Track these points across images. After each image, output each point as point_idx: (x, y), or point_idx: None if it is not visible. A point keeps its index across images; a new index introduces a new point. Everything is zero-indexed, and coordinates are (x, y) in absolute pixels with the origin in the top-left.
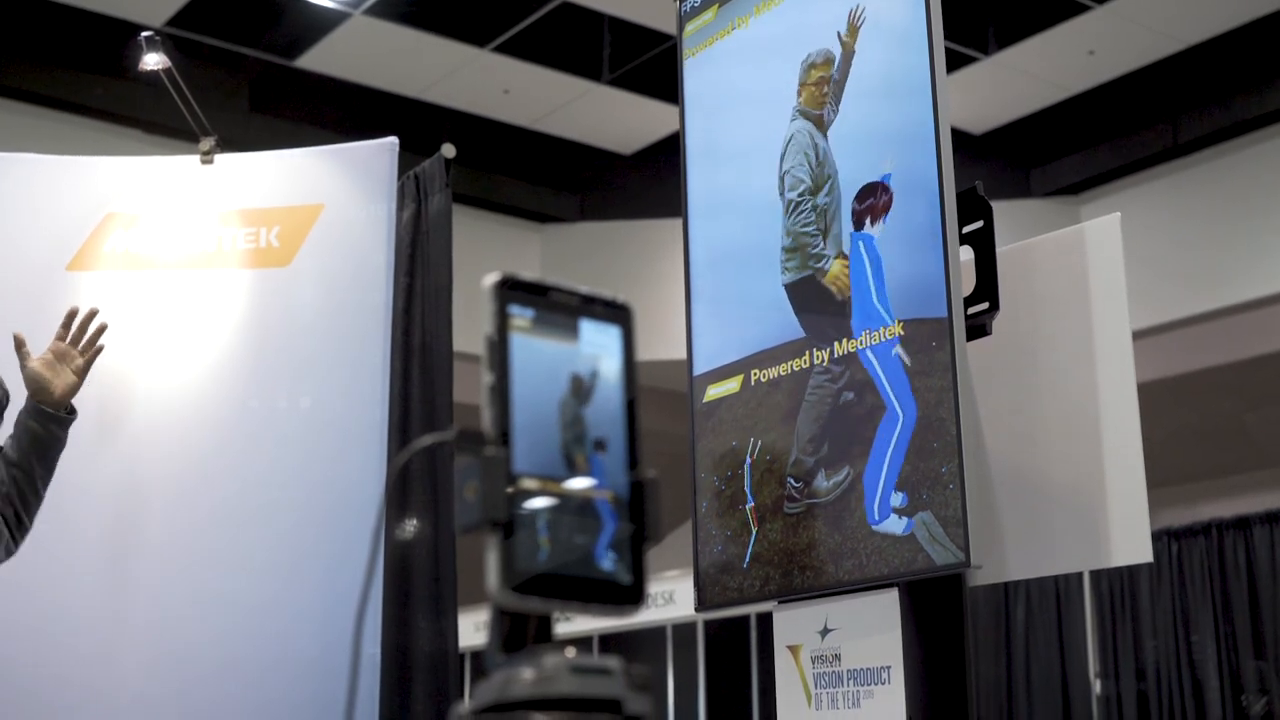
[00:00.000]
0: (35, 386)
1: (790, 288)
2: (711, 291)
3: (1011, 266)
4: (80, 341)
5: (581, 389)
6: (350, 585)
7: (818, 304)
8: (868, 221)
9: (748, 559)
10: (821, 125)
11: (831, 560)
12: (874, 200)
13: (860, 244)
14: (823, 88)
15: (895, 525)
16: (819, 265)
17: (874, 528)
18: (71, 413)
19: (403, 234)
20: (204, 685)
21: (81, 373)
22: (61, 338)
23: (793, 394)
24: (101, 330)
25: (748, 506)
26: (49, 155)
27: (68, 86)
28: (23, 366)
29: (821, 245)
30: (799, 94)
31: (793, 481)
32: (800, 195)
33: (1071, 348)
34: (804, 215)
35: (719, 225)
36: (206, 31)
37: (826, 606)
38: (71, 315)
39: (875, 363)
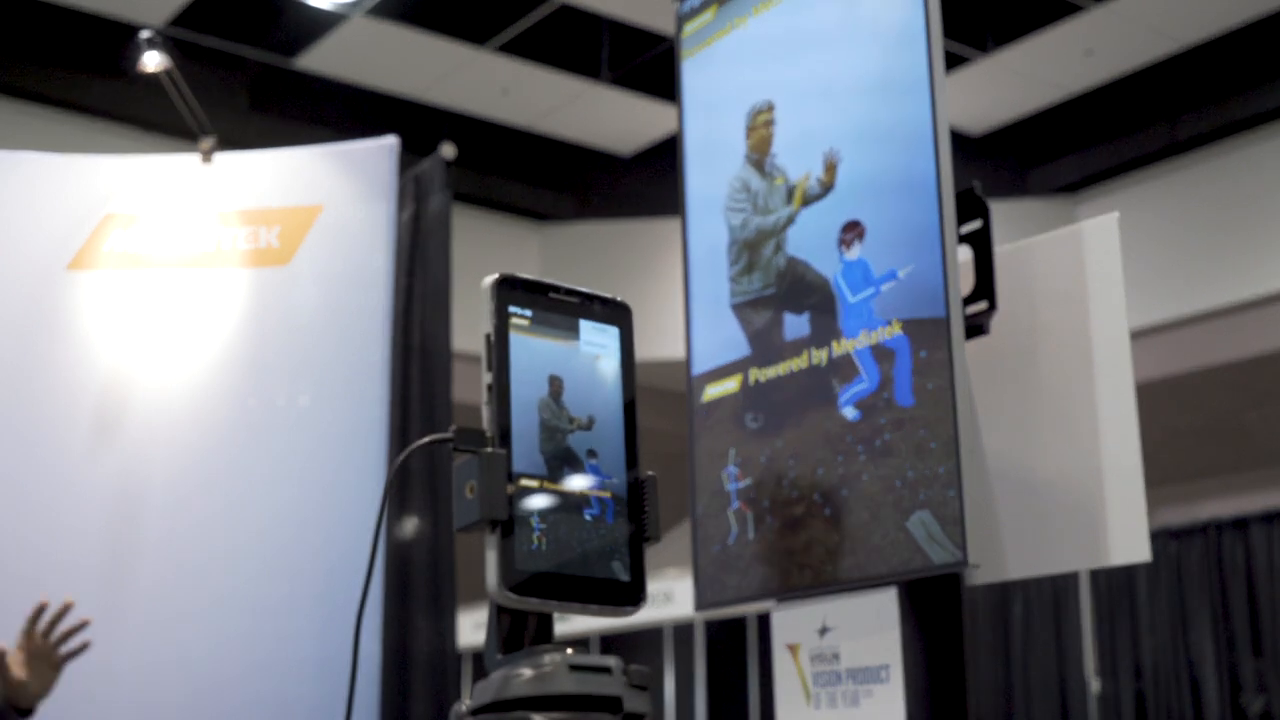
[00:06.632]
0: (14, 690)
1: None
2: (710, 291)
3: (1009, 266)
4: (53, 635)
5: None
6: (349, 584)
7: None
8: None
9: (746, 558)
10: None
11: (830, 559)
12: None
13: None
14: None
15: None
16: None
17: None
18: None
19: (402, 234)
20: (203, 685)
21: (59, 667)
22: (31, 634)
23: (791, 393)
24: (81, 626)
25: (746, 506)
26: (49, 155)
27: (67, 86)
28: (2, 673)
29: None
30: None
31: (790, 481)
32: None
33: (1070, 347)
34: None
35: (718, 225)
36: (206, 31)
37: (825, 606)
38: (40, 609)
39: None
